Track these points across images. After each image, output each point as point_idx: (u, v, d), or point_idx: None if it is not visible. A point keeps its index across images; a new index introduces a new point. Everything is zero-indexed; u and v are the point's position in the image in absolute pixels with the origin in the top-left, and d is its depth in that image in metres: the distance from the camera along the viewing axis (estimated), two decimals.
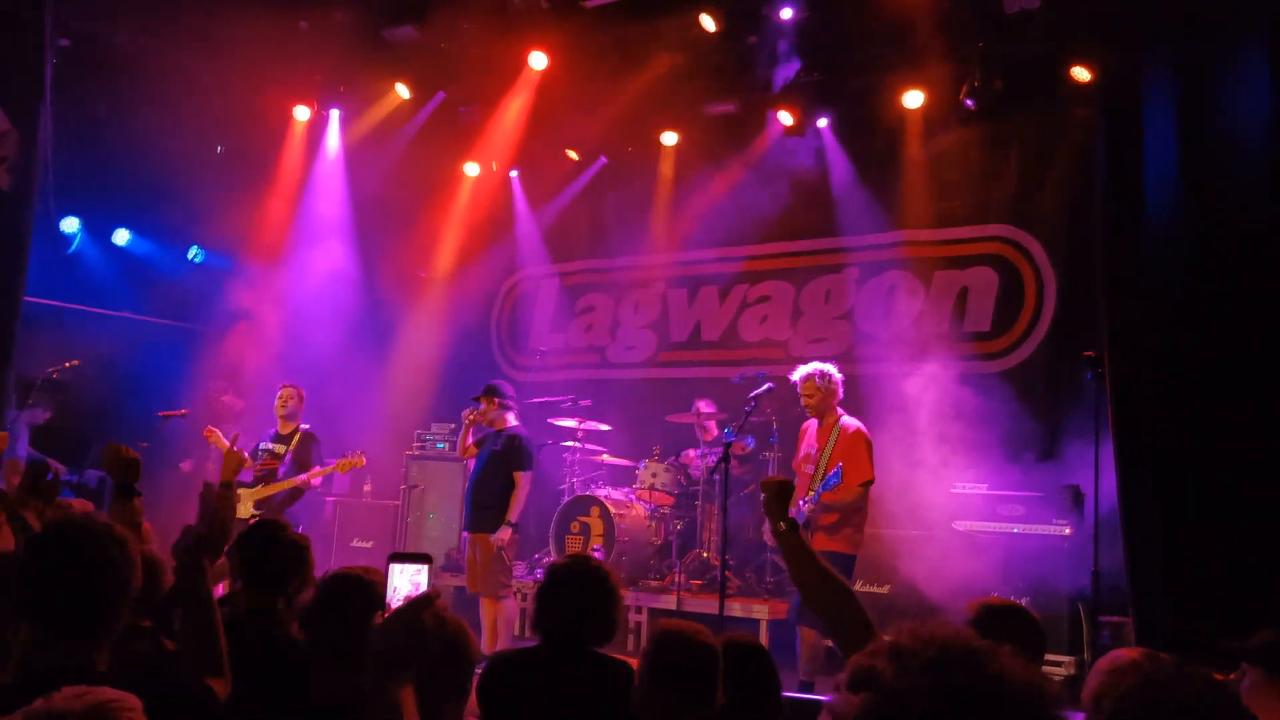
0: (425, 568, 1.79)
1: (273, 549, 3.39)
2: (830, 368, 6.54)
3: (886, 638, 1.16)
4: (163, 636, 3.42)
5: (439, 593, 1.72)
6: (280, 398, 8.05)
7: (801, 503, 6.22)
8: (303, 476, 7.68)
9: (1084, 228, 7.81)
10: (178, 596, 2.39)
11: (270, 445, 7.95)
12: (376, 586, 2.74)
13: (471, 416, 7.55)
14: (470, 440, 7.70)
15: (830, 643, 6.14)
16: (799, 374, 6.53)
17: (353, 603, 2.58)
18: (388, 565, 1.78)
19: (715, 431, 8.97)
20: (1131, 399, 5.60)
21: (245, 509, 7.49)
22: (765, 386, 6.60)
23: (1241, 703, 2.15)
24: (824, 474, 6.17)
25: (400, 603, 1.72)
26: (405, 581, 1.78)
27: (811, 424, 6.66)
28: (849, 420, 6.48)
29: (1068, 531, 7.15)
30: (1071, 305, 8.36)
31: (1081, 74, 7.84)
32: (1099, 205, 6.06)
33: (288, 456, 7.84)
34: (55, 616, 2.03)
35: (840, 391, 6.56)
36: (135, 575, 2.12)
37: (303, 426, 8.02)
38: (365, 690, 1.68)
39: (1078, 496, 7.24)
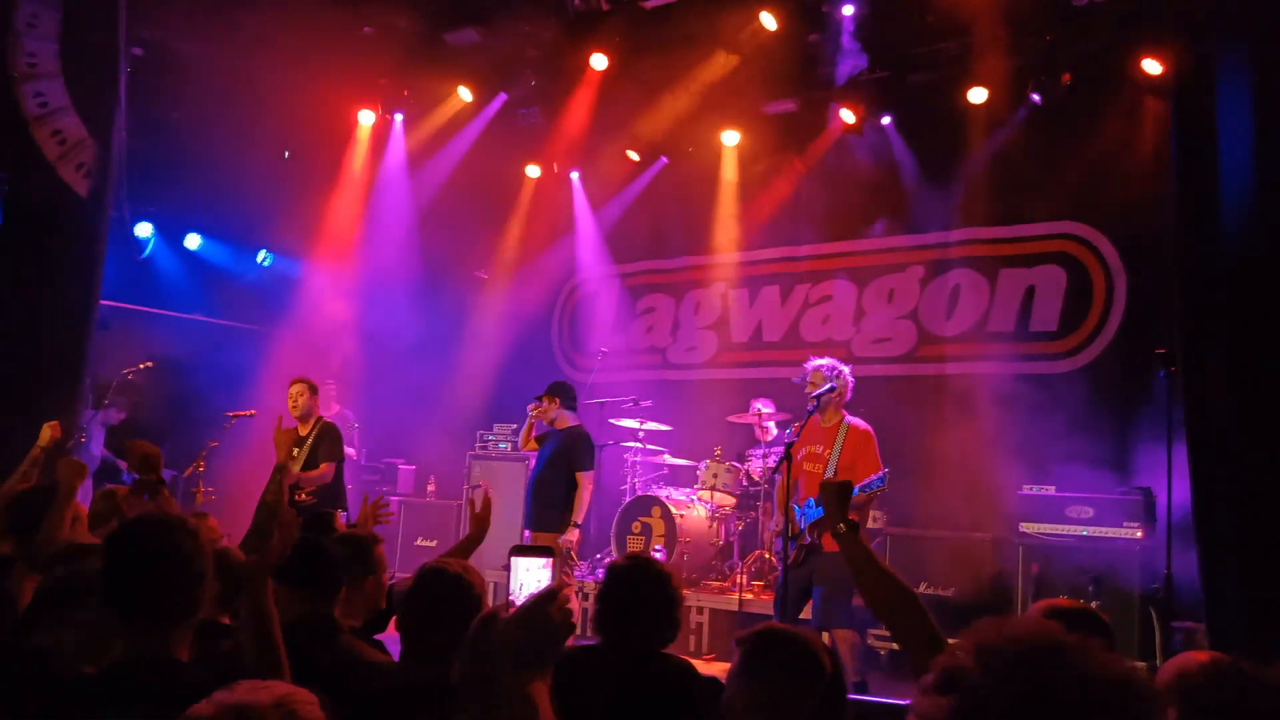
0: (550, 560, 1.81)
1: (317, 558, 3.26)
2: (844, 366, 6.47)
3: (970, 637, 1.12)
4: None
5: (563, 586, 1.72)
6: (289, 396, 7.53)
7: (808, 504, 6.15)
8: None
9: (1155, 224, 7.63)
10: (241, 609, 2.44)
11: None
12: (475, 587, 2.78)
13: (535, 412, 7.55)
14: (532, 435, 7.70)
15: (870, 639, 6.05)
16: (811, 365, 6.46)
17: (449, 600, 2.62)
18: (509, 559, 1.79)
19: (774, 432, 8.91)
20: (1206, 398, 5.46)
21: None
22: (827, 386, 6.53)
23: None
24: (835, 471, 6.11)
25: (524, 597, 1.72)
26: (529, 576, 1.79)
27: (811, 424, 6.41)
28: (855, 420, 6.39)
29: (1138, 535, 6.99)
30: (1142, 304, 8.17)
31: (1152, 66, 7.67)
32: (1171, 200, 5.91)
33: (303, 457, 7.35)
34: (133, 608, 2.12)
35: (849, 393, 6.45)
36: (207, 567, 2.19)
37: (325, 417, 7.69)
38: (496, 685, 1.68)
39: (1149, 499, 7.08)
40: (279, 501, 3.72)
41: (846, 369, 6.47)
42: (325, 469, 7.37)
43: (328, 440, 7.47)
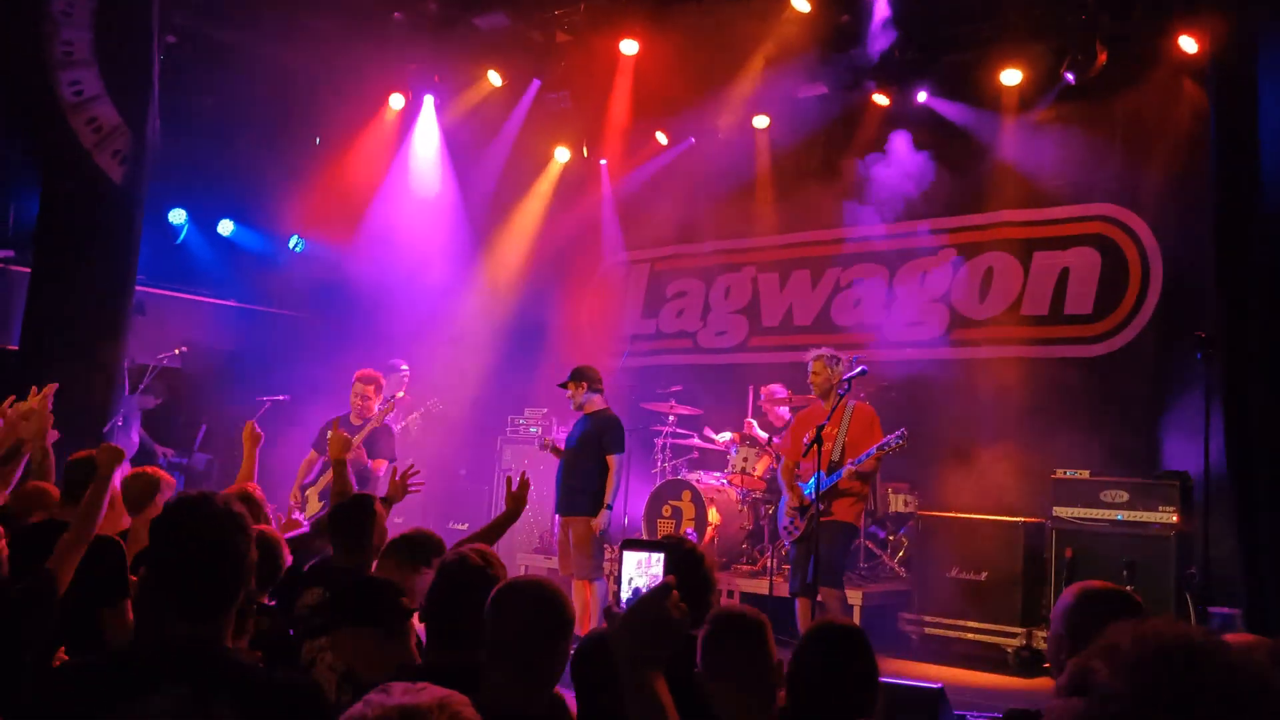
0: (663, 556, 1.80)
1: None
2: (839, 355, 6.81)
3: (1103, 639, 1.09)
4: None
5: (674, 582, 1.73)
6: (352, 392, 7.59)
7: (816, 476, 6.45)
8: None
9: (1192, 206, 7.53)
10: None
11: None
12: (498, 574, 2.80)
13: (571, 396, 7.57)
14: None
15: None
16: (812, 354, 6.85)
17: (472, 589, 2.64)
18: (620, 552, 1.79)
19: (787, 417, 8.82)
20: (1244, 380, 5.38)
21: (312, 505, 7.31)
22: (858, 369, 6.58)
23: None
24: (843, 453, 6.49)
25: (632, 593, 1.74)
26: (640, 571, 1.79)
27: (813, 409, 6.88)
28: (858, 401, 6.80)
29: (1173, 520, 6.92)
30: (1179, 286, 8.06)
31: (1189, 44, 7.56)
32: (1211, 178, 5.82)
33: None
34: (178, 593, 2.13)
35: (845, 377, 6.66)
36: (250, 550, 2.20)
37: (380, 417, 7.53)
38: (618, 680, 1.70)
39: (1184, 484, 7.00)
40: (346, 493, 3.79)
41: (842, 359, 6.77)
42: (378, 464, 7.38)
43: (383, 438, 7.51)
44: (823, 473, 6.45)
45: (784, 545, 6.82)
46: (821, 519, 6.38)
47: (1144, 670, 1.01)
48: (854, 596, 7.74)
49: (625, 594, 1.74)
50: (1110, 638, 1.06)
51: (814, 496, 6.38)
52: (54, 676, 2.13)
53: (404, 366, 9.08)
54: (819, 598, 6.31)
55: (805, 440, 6.52)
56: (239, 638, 2.91)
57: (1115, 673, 1.02)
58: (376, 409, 7.52)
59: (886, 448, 6.34)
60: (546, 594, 2.35)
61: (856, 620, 7.57)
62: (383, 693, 1.39)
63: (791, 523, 6.67)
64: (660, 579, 1.74)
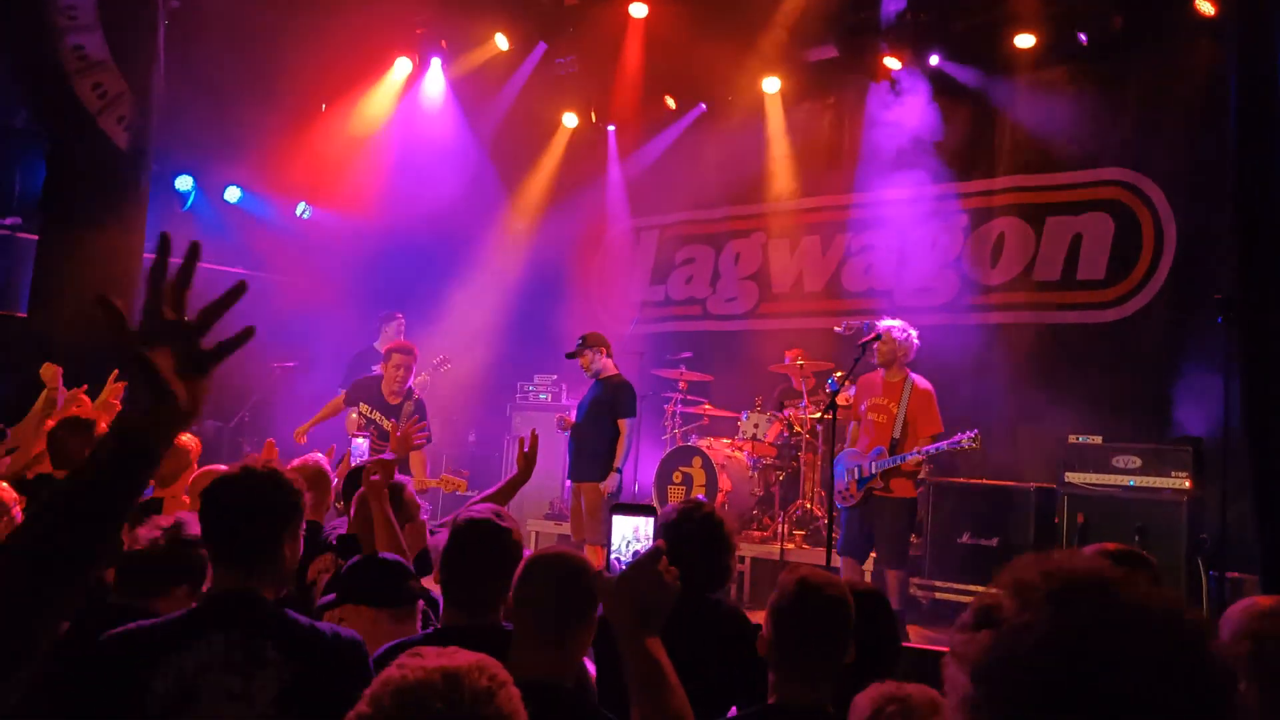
0: (652, 520, 1.80)
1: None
2: (911, 330, 6.85)
3: (1008, 574, 1.06)
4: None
5: (665, 547, 1.72)
6: (392, 365, 7.28)
7: (877, 451, 6.63)
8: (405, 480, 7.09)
9: (1207, 169, 7.46)
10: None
11: (378, 417, 7.28)
12: (513, 535, 2.80)
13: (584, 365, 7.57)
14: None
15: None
16: (883, 324, 6.83)
17: (487, 550, 2.65)
18: (609, 516, 1.79)
19: (812, 382, 8.83)
20: (1263, 345, 5.34)
21: None
22: (873, 335, 6.60)
23: None
24: (904, 430, 6.62)
25: (629, 557, 1.73)
26: (631, 534, 1.78)
27: (874, 376, 6.93)
28: (919, 378, 6.78)
29: (1186, 485, 6.90)
30: (1192, 251, 7.99)
31: (1205, 6, 7.46)
32: (1230, 139, 5.74)
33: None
34: (222, 550, 2.34)
35: (912, 353, 6.81)
36: (296, 515, 2.39)
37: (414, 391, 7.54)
38: (616, 644, 1.70)
39: (1197, 449, 6.98)
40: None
41: (915, 335, 6.83)
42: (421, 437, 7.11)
43: (423, 413, 7.26)
44: (883, 448, 6.62)
45: (836, 507, 6.89)
46: (880, 494, 6.61)
47: (1055, 601, 0.98)
48: (865, 562, 7.75)
49: (624, 558, 1.73)
50: (1016, 572, 1.04)
51: (874, 471, 6.59)
52: (103, 641, 2.21)
53: (399, 316, 8.86)
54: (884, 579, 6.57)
55: (866, 413, 6.83)
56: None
57: (1025, 605, 0.99)
58: (410, 383, 7.36)
59: (957, 446, 6.41)
60: (575, 566, 2.35)
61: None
62: (416, 655, 1.38)
63: (848, 488, 6.78)
64: (651, 543, 1.73)
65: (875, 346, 6.73)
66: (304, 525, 2.45)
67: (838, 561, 6.96)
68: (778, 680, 2.51)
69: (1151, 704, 0.93)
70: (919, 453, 6.52)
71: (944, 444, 6.47)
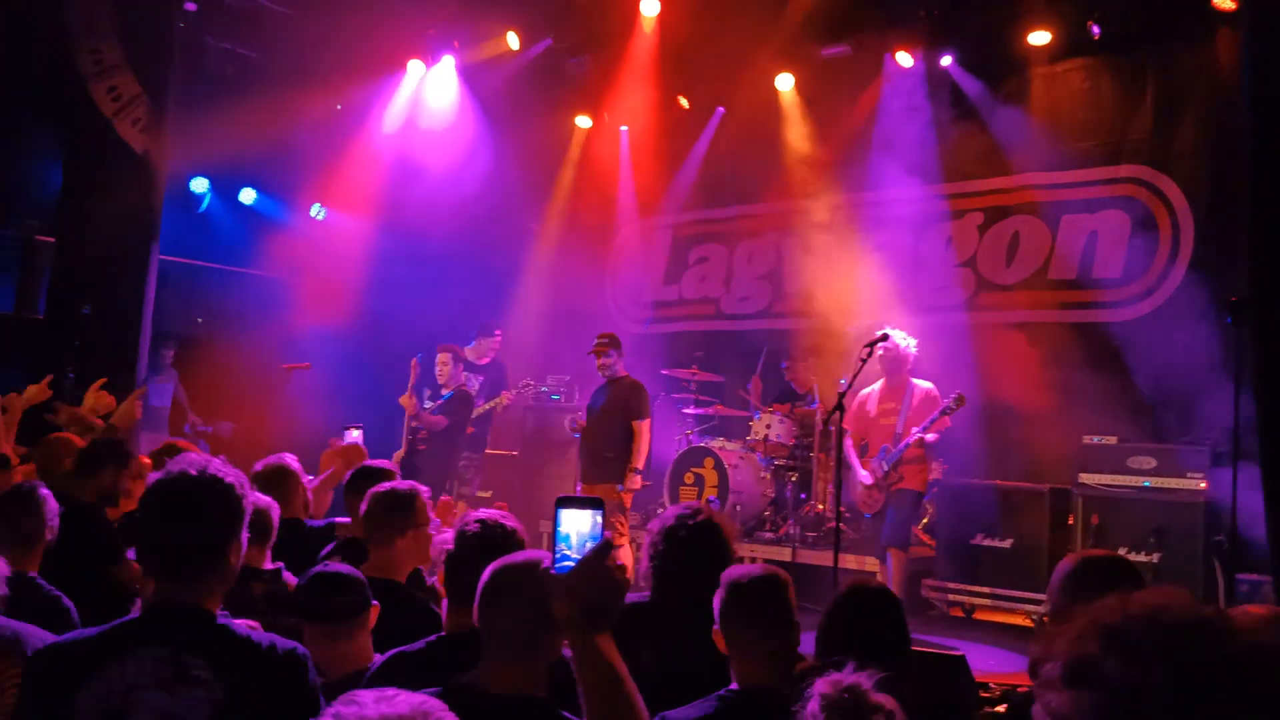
0: (600, 513, 1.76)
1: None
2: (911, 339, 7.20)
3: (1089, 618, 1.00)
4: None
5: (614, 540, 1.69)
6: (438, 363, 8.40)
7: (884, 449, 7.03)
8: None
9: (1225, 168, 7.39)
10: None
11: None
12: (518, 536, 2.79)
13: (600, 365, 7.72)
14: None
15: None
16: (881, 335, 6.92)
17: (493, 553, 2.63)
18: (556, 510, 1.75)
19: (812, 383, 8.81)
20: (1276, 347, 5.27)
21: None
22: (879, 334, 6.58)
23: None
24: (903, 426, 7.01)
25: (578, 552, 1.70)
26: (581, 527, 1.74)
27: (873, 390, 7.30)
28: (920, 381, 7.15)
29: (1202, 485, 6.83)
30: (1209, 250, 7.91)
31: (1225, 3, 7.38)
32: (1244, 135, 5.67)
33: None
34: (162, 559, 2.21)
35: (911, 359, 7.17)
36: (238, 521, 2.24)
37: (464, 386, 8.61)
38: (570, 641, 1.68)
39: (1213, 449, 6.91)
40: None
41: (914, 341, 7.19)
42: (438, 419, 8.20)
43: (456, 401, 8.39)
44: (888, 445, 7.01)
45: (856, 513, 7.47)
46: (896, 487, 7.00)
47: (1165, 654, 0.92)
48: (874, 564, 7.71)
49: (574, 553, 1.69)
50: (1100, 617, 0.97)
51: (885, 470, 6.98)
52: (32, 657, 2.17)
53: (497, 332, 9.68)
54: (889, 556, 6.95)
55: (877, 418, 7.14)
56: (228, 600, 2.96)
57: (1131, 661, 0.93)
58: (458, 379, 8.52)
59: (946, 410, 6.82)
60: (540, 574, 2.26)
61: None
62: (351, 704, 1.35)
63: (870, 497, 7.12)
64: (600, 537, 1.70)
65: (880, 353, 6.88)
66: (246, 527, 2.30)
67: (851, 563, 7.01)
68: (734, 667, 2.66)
69: None
70: (916, 433, 6.86)
71: (935, 414, 6.86)
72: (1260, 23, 5.38)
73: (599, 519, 1.72)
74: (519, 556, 2.31)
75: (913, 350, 7.14)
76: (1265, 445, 5.26)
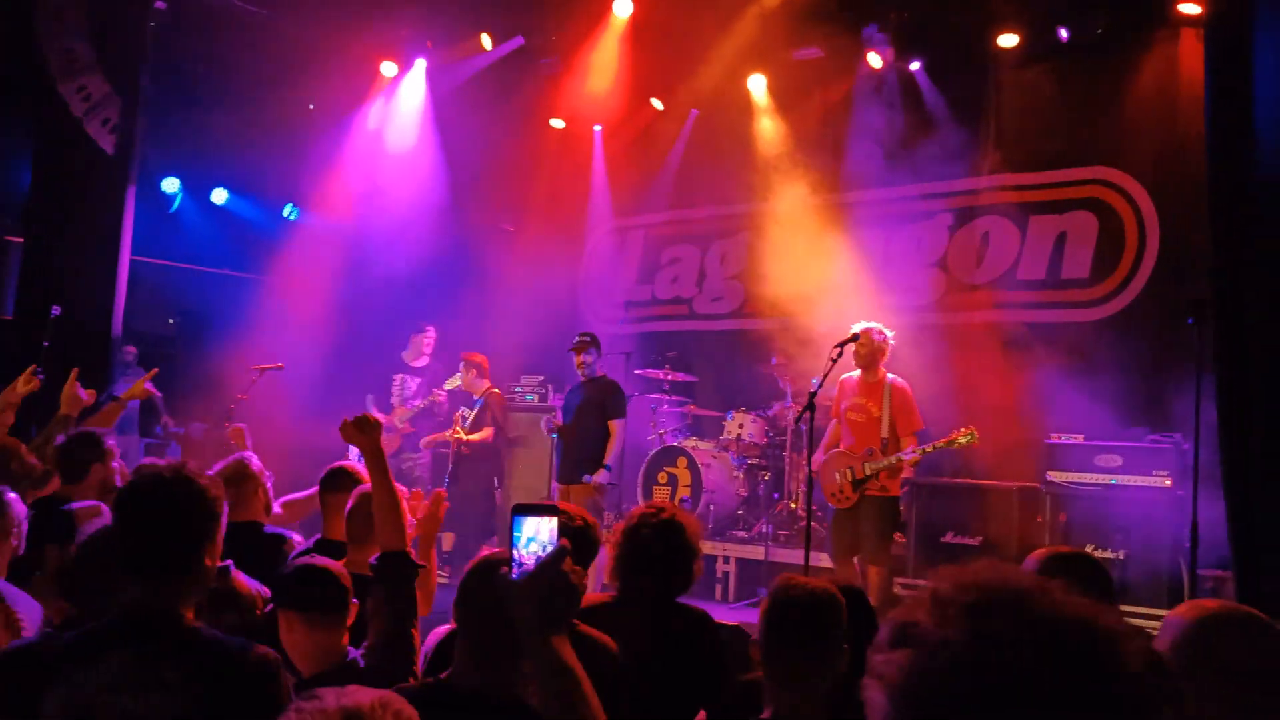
0: (556, 520, 1.78)
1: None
2: (888, 331, 6.87)
3: (926, 588, 1.04)
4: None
5: (569, 546, 1.72)
6: (461, 372, 8.97)
7: (868, 452, 6.67)
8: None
9: (1191, 170, 7.47)
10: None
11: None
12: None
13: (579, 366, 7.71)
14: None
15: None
16: (859, 326, 6.80)
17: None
18: (513, 518, 1.77)
19: (798, 382, 8.87)
20: (1237, 347, 5.36)
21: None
22: (850, 335, 6.59)
23: None
24: (888, 431, 6.66)
25: (533, 558, 1.73)
26: (539, 534, 1.76)
27: (852, 377, 6.95)
28: (896, 378, 6.81)
29: (1168, 483, 6.92)
30: (1175, 251, 8.02)
31: (1189, 8, 7.49)
32: (1206, 141, 5.77)
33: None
34: (135, 561, 2.22)
35: (888, 353, 6.86)
36: (212, 524, 2.26)
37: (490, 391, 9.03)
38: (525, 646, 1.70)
39: (1179, 447, 7.00)
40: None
41: (891, 333, 6.85)
42: (487, 432, 8.83)
43: (485, 413, 8.92)
44: (874, 449, 6.67)
45: (826, 509, 7.05)
46: (871, 494, 6.66)
47: (970, 616, 0.97)
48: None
49: (528, 560, 1.72)
50: (934, 587, 1.02)
51: (868, 472, 6.63)
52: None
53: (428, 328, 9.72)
54: (864, 574, 6.63)
55: (847, 413, 6.86)
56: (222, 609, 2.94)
57: (941, 622, 0.97)
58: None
59: (954, 444, 6.50)
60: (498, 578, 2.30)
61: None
62: (313, 699, 1.37)
63: (841, 490, 6.79)
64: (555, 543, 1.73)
65: (854, 348, 6.69)
66: (222, 530, 2.33)
67: (825, 560, 7.00)
68: (770, 691, 2.52)
69: (1069, 715, 0.93)
70: (915, 451, 6.54)
71: (941, 441, 6.53)
72: (1219, 27, 5.48)
73: (555, 526, 1.75)
74: (493, 558, 2.33)
75: (890, 341, 6.83)
76: (1225, 443, 5.35)
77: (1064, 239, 8.70)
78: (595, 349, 7.73)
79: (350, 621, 3.00)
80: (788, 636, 2.50)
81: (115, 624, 2.18)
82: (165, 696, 2.07)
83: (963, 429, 6.45)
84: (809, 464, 6.62)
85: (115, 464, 4.36)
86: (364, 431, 2.92)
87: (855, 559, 6.81)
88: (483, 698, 2.18)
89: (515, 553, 1.73)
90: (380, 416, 3.21)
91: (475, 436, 8.80)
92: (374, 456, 2.92)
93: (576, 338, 7.81)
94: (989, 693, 0.94)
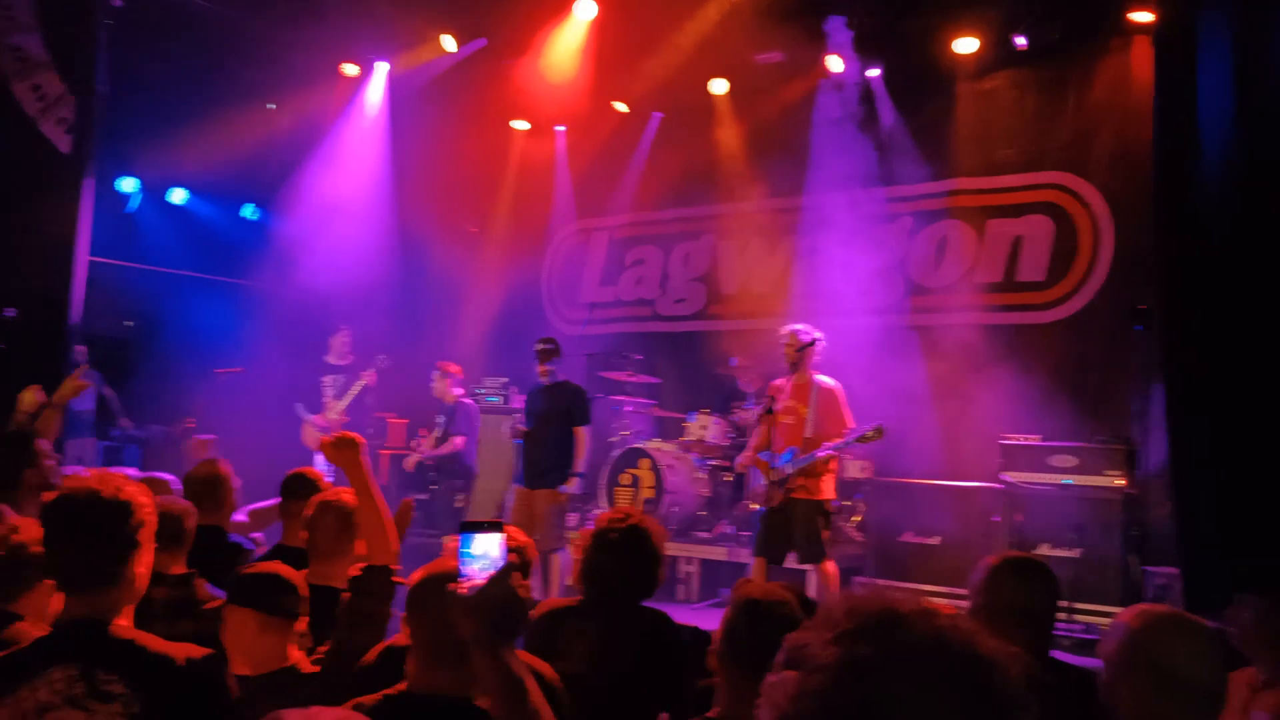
0: (502, 536, 1.81)
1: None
2: (816, 333, 6.83)
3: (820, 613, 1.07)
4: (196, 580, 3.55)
5: (518, 561, 1.75)
6: (434, 380, 9.23)
7: (790, 451, 6.67)
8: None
9: (1144, 176, 7.61)
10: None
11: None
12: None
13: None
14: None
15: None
16: (788, 328, 6.86)
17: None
18: (462, 535, 1.80)
19: (758, 383, 8.94)
20: (1183, 348, 5.50)
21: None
22: (812, 339, 6.65)
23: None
24: (815, 430, 6.60)
25: (482, 574, 1.75)
26: (488, 549, 1.78)
27: (783, 379, 6.95)
28: (824, 379, 6.77)
29: (1120, 483, 7.06)
30: (1129, 254, 8.16)
31: (1141, 16, 7.64)
32: (1153, 148, 5.91)
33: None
34: (64, 573, 2.26)
35: (815, 353, 6.79)
36: (140, 533, 2.28)
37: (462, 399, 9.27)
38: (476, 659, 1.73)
39: (1131, 448, 7.13)
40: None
41: (819, 334, 6.76)
42: (455, 442, 9.10)
43: (461, 416, 9.18)
44: (797, 449, 6.64)
45: (753, 507, 7.00)
46: (797, 495, 6.60)
47: (847, 639, 0.99)
48: (783, 564, 7.84)
49: (477, 576, 1.75)
50: (824, 611, 1.05)
51: (789, 471, 6.60)
52: None
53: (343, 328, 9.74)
54: (808, 575, 6.69)
55: (777, 415, 6.78)
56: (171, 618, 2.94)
57: (824, 644, 1.00)
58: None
59: (864, 438, 6.51)
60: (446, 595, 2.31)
61: (811, 586, 7.68)
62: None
63: (766, 491, 6.80)
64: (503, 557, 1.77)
65: (782, 350, 6.76)
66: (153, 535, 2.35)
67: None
68: (726, 696, 2.55)
69: None
70: (827, 449, 6.51)
71: (850, 437, 6.52)
72: (1166, 37, 5.60)
73: (503, 541, 1.78)
74: (444, 566, 2.35)
75: (819, 343, 6.76)
76: (1173, 446, 5.48)
77: (1020, 243, 8.84)
78: (557, 355, 7.67)
79: (300, 629, 3.02)
80: (742, 652, 2.50)
81: (52, 639, 2.20)
82: (114, 708, 2.09)
83: (871, 427, 6.46)
84: (792, 472, 6.63)
85: (49, 462, 4.27)
86: (344, 449, 2.93)
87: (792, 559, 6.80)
88: (443, 703, 2.20)
89: (464, 568, 1.76)
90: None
91: (442, 450, 9.16)
92: (357, 474, 2.94)
93: (540, 345, 7.69)
94: (857, 715, 0.96)
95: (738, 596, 2.64)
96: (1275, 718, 2.10)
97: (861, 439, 6.52)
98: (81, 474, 2.34)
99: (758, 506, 6.86)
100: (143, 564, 2.29)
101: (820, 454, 6.52)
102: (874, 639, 0.99)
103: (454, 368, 9.23)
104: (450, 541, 3.62)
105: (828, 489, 6.73)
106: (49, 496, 2.30)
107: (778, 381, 7.03)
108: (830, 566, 6.66)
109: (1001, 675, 0.99)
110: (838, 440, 6.54)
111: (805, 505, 6.58)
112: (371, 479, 2.96)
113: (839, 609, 1.04)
